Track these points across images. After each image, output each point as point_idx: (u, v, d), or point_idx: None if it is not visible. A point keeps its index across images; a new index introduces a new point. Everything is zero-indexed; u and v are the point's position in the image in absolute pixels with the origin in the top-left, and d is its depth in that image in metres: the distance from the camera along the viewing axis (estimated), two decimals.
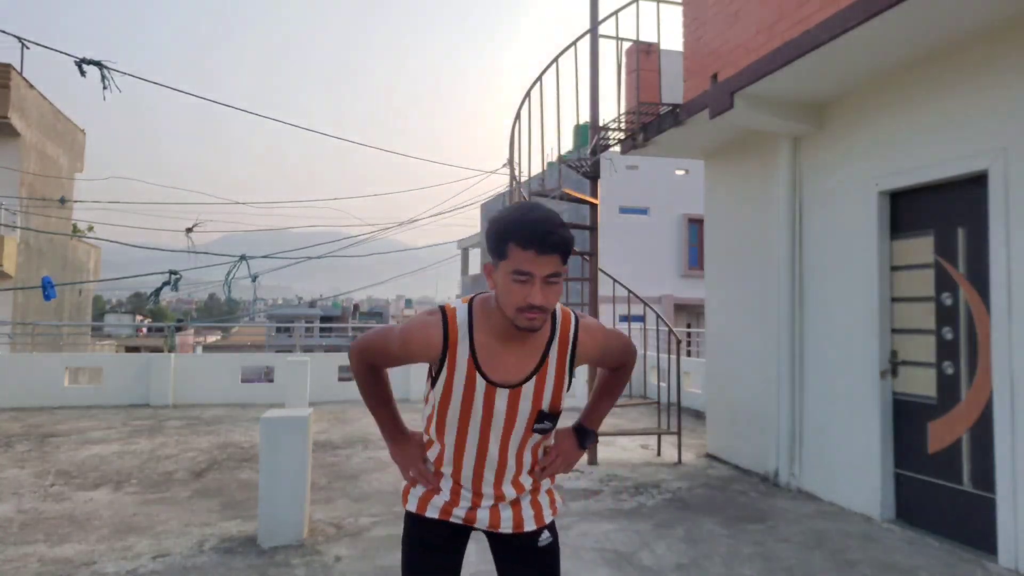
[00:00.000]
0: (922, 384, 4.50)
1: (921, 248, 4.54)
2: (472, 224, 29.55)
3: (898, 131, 4.66)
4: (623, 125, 6.64)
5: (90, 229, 23.09)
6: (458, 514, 1.81)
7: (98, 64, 5.81)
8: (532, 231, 1.53)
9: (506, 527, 1.82)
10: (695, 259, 19.55)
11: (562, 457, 1.89)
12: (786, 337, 5.54)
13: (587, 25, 6.61)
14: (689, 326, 19.01)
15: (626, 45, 6.75)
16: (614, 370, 1.95)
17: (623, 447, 7.01)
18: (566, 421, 2.03)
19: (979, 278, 4.10)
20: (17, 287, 14.29)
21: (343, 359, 11.12)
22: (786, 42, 4.54)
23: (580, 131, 15.39)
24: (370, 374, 1.84)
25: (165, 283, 8.41)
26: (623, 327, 12.27)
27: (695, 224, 19.37)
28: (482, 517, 1.81)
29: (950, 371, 4.29)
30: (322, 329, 42.96)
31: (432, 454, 1.84)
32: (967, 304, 4.20)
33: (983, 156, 4.03)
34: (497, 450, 1.76)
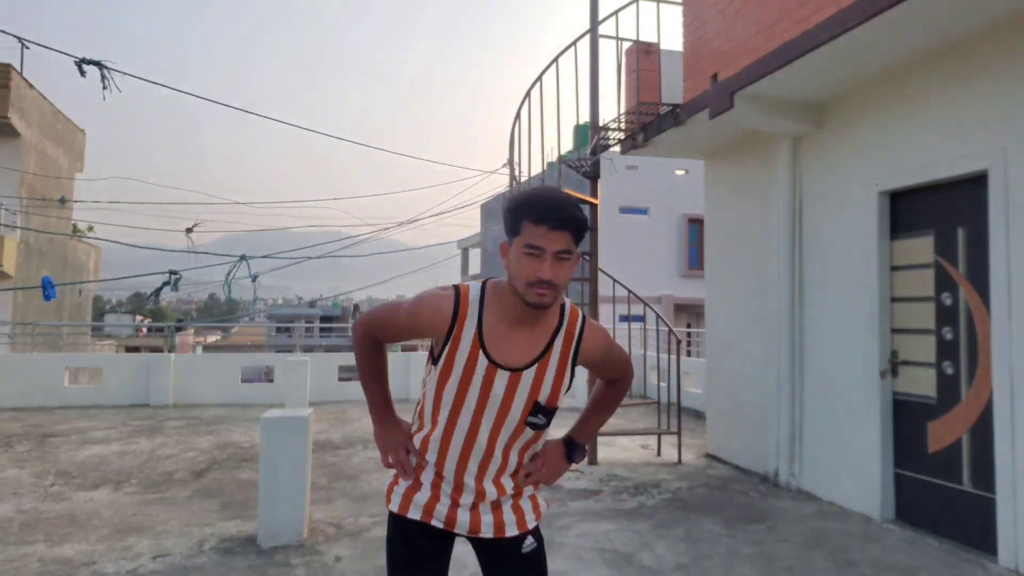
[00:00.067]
0: (922, 384, 4.50)
1: (921, 248, 4.54)
2: (472, 224, 29.54)
3: (898, 131, 4.66)
4: (623, 125, 6.64)
5: (90, 229, 23.09)
6: (439, 515, 1.78)
7: (98, 64, 5.81)
8: (546, 207, 1.59)
9: (487, 531, 1.78)
10: (695, 259, 19.55)
11: (548, 466, 1.86)
12: (786, 337, 5.54)
13: (587, 25, 6.61)
14: (689, 326, 19.01)
15: (626, 45, 6.75)
16: (611, 383, 1.96)
17: (623, 447, 7.01)
18: (566, 422, 2.03)
19: (979, 278, 4.10)
20: (17, 287, 14.29)
21: (343, 359, 11.13)
22: (786, 42, 4.54)
23: (580, 131, 15.40)
24: (371, 347, 1.86)
25: (165, 283, 8.41)
26: (623, 327, 12.28)
27: (695, 224, 19.37)
28: (462, 520, 1.77)
29: (950, 371, 4.29)
30: (322, 329, 42.96)
31: (419, 438, 1.80)
32: (967, 304, 4.20)
33: (983, 156, 4.03)
34: (486, 438, 1.73)
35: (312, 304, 58.89)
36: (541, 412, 1.75)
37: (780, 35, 4.66)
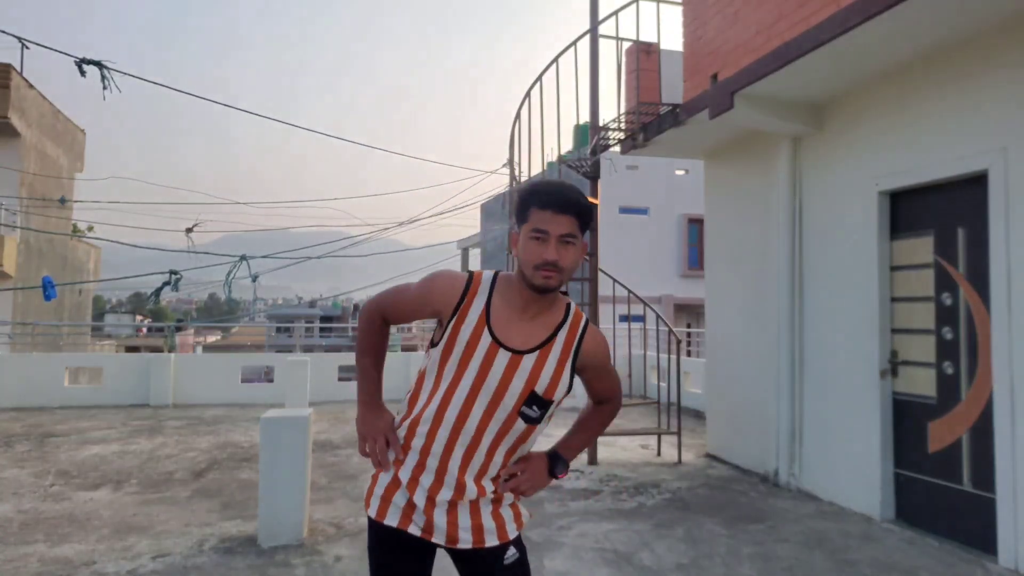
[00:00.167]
0: (922, 384, 4.50)
1: (921, 248, 4.54)
2: (472, 224, 29.55)
3: (898, 131, 4.66)
4: (623, 125, 6.64)
5: (90, 229, 23.08)
6: (417, 521, 1.74)
7: (98, 64, 5.81)
8: (551, 192, 1.69)
9: (465, 541, 1.74)
10: (695, 259, 19.53)
11: (529, 474, 1.83)
12: (786, 337, 5.54)
13: (587, 25, 6.61)
14: (689, 326, 19.01)
15: (626, 45, 6.75)
16: (598, 403, 1.98)
17: (623, 447, 7.01)
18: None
19: (979, 278, 4.10)
20: (17, 287, 14.29)
21: (343, 359, 11.14)
22: (786, 42, 4.54)
23: (580, 131, 15.39)
24: (377, 326, 1.88)
25: (165, 283, 8.40)
26: (623, 327, 12.27)
27: (695, 224, 19.35)
28: (439, 524, 1.72)
29: (950, 371, 4.29)
30: (322, 329, 42.95)
31: (407, 424, 1.77)
32: (967, 304, 4.20)
33: (983, 156, 4.03)
34: (477, 422, 1.70)
35: (312, 304, 58.90)
36: (536, 403, 1.73)
37: (780, 35, 4.66)
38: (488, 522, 1.76)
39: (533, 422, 1.76)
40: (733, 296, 6.52)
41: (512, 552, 1.79)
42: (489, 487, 1.76)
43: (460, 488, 1.72)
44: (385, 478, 1.78)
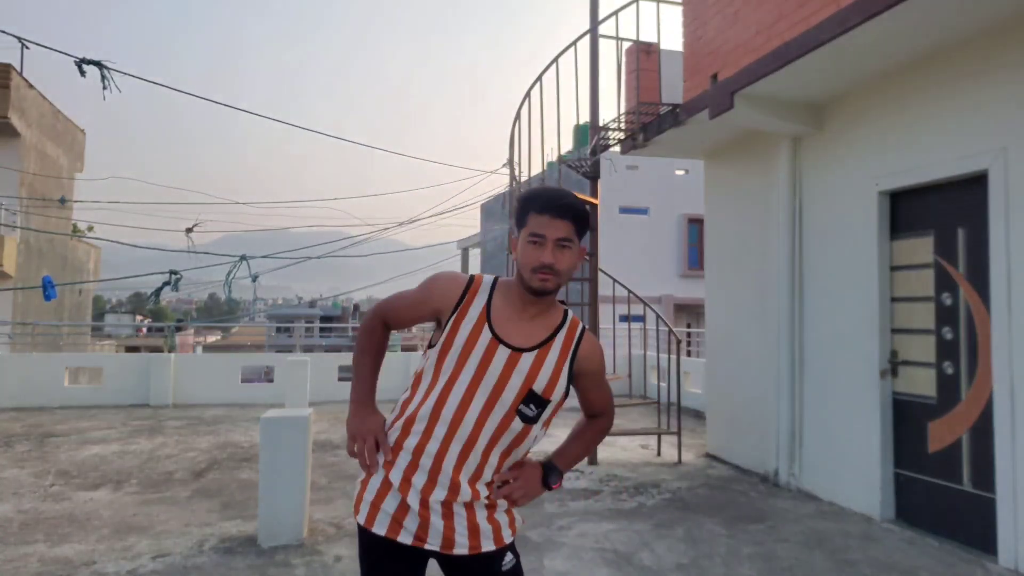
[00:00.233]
0: (922, 384, 4.50)
1: (921, 248, 4.54)
2: (472, 224, 29.56)
3: (898, 131, 4.66)
4: (623, 125, 6.64)
5: (90, 229, 23.08)
6: (409, 528, 1.70)
7: (98, 64, 5.81)
8: (548, 198, 1.75)
9: (461, 546, 1.71)
10: (695, 259, 19.53)
11: (522, 481, 1.80)
12: (786, 337, 5.54)
13: (587, 25, 6.61)
14: (689, 326, 19.01)
15: (626, 45, 6.75)
16: (591, 419, 1.98)
17: (623, 447, 7.01)
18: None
19: (979, 278, 4.10)
20: (17, 287, 14.29)
21: (343, 359, 11.14)
22: (786, 42, 4.54)
23: (580, 131, 15.39)
24: (377, 330, 1.90)
25: (165, 283, 8.40)
26: (623, 327, 12.26)
27: (695, 224, 19.35)
28: (435, 527, 1.69)
29: (950, 371, 4.29)
30: (322, 329, 42.94)
31: (400, 424, 1.76)
32: (967, 304, 4.20)
33: (983, 156, 4.03)
34: (474, 420, 1.69)
35: (312, 304, 58.90)
36: (534, 402, 1.74)
37: (780, 35, 4.66)
38: (484, 525, 1.74)
39: (530, 421, 1.75)
40: (733, 296, 6.52)
41: (509, 558, 1.78)
42: (483, 491, 1.74)
43: (454, 488, 1.70)
44: (376, 481, 1.75)
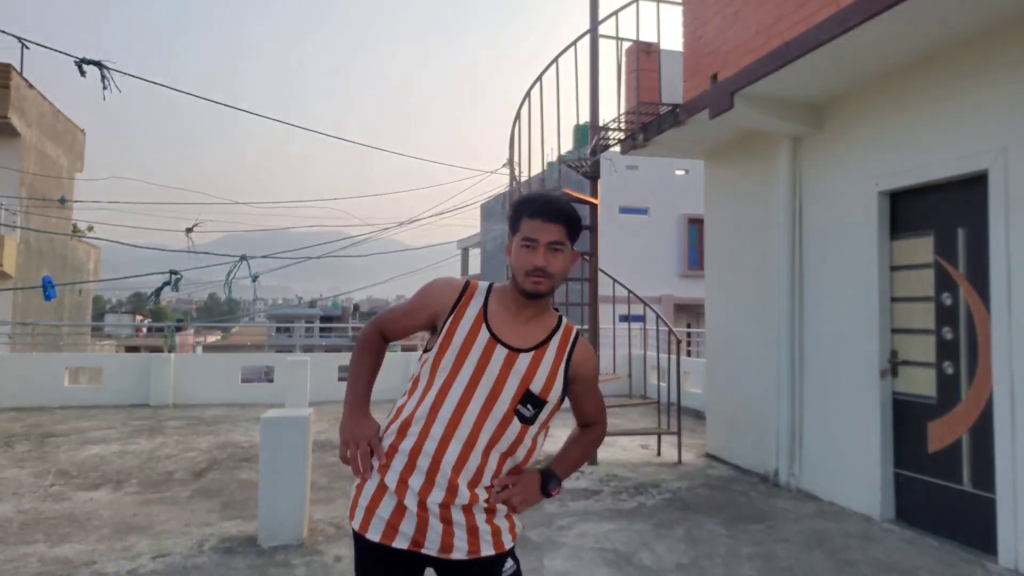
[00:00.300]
0: (922, 384, 4.50)
1: (921, 248, 4.54)
2: (472, 224, 29.56)
3: (898, 131, 4.66)
4: (623, 125, 6.64)
5: (90, 229, 23.09)
6: (405, 533, 1.68)
7: (98, 64, 5.81)
8: (539, 203, 1.78)
9: (460, 550, 1.69)
10: (695, 259, 19.54)
11: (521, 487, 1.78)
12: (786, 337, 5.54)
13: (587, 25, 6.61)
14: (689, 326, 19.01)
15: (626, 45, 6.75)
16: (584, 427, 1.99)
17: (623, 447, 7.01)
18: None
19: (979, 278, 4.10)
20: (17, 287, 14.29)
21: (343, 359, 11.14)
22: (786, 42, 4.54)
23: (580, 131, 15.39)
24: (373, 341, 1.90)
25: (165, 283, 8.40)
26: (623, 327, 12.25)
27: (695, 224, 19.36)
28: (433, 531, 1.67)
29: (950, 371, 4.29)
30: (322, 329, 42.95)
31: (396, 427, 1.75)
32: (967, 304, 4.20)
33: (983, 156, 4.03)
34: (473, 420, 1.69)
35: (312, 304, 58.92)
36: (531, 402, 1.74)
37: (780, 35, 4.66)
38: (484, 527, 1.72)
39: (527, 422, 1.75)
40: (733, 296, 6.52)
41: (510, 564, 1.76)
42: (482, 495, 1.72)
43: (452, 490, 1.68)
44: (371, 486, 1.73)
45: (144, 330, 35.86)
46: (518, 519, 1.84)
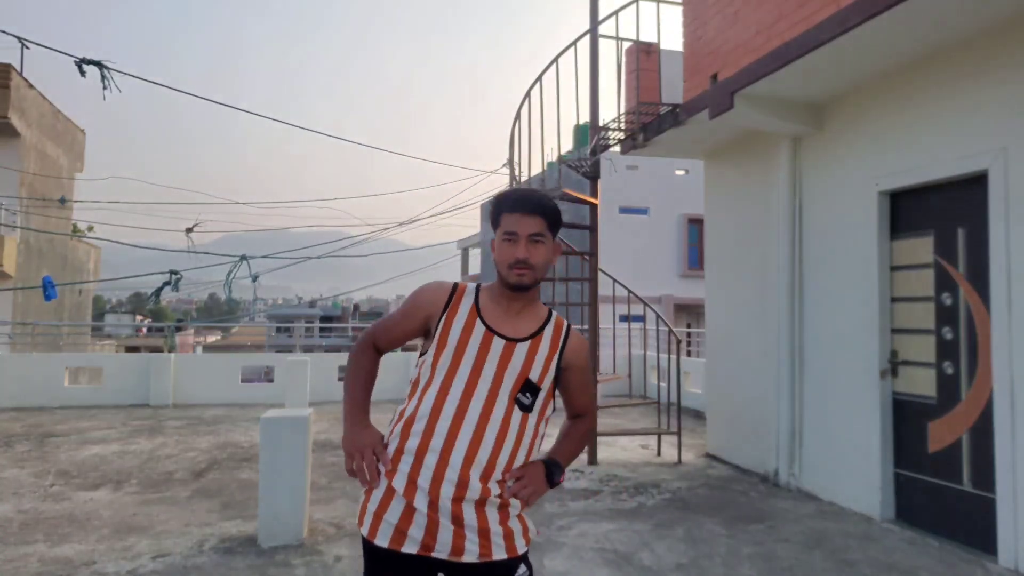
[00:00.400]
0: (922, 384, 4.50)
1: (921, 248, 4.54)
2: (472, 224, 29.57)
3: (898, 131, 4.66)
4: (623, 125, 6.64)
5: (90, 229, 23.09)
6: (414, 537, 1.66)
7: (98, 64, 5.81)
8: (517, 197, 1.83)
9: (471, 553, 1.67)
10: (695, 259, 19.54)
11: (528, 479, 1.77)
12: (786, 337, 5.54)
13: (587, 25, 6.61)
14: (689, 326, 19.01)
15: (626, 45, 6.75)
16: (573, 417, 2.01)
17: (623, 447, 7.01)
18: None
19: (979, 278, 4.10)
20: (17, 287, 14.29)
21: (343, 359, 11.13)
22: (786, 42, 4.54)
23: (580, 131, 15.39)
24: (367, 353, 1.92)
25: (166, 283, 8.40)
26: (623, 327, 12.25)
27: (695, 224, 19.36)
28: (444, 532, 1.66)
29: (950, 371, 4.29)
30: (322, 329, 42.97)
31: (399, 428, 1.75)
32: (967, 304, 4.20)
33: (983, 156, 4.03)
34: (478, 412, 1.70)
35: (312, 304, 58.95)
36: (529, 391, 1.78)
37: (780, 35, 4.66)
38: (495, 527, 1.70)
39: (526, 410, 1.78)
40: (733, 296, 6.52)
41: (523, 570, 1.74)
42: (495, 490, 1.70)
43: (463, 484, 1.66)
44: (379, 492, 1.73)
45: (144, 330, 35.86)
46: (532, 524, 1.83)
